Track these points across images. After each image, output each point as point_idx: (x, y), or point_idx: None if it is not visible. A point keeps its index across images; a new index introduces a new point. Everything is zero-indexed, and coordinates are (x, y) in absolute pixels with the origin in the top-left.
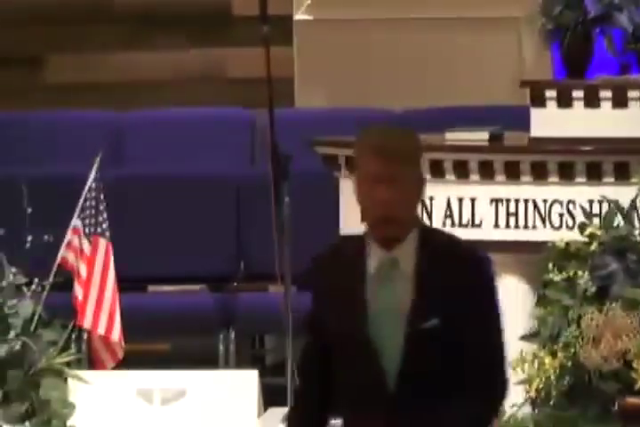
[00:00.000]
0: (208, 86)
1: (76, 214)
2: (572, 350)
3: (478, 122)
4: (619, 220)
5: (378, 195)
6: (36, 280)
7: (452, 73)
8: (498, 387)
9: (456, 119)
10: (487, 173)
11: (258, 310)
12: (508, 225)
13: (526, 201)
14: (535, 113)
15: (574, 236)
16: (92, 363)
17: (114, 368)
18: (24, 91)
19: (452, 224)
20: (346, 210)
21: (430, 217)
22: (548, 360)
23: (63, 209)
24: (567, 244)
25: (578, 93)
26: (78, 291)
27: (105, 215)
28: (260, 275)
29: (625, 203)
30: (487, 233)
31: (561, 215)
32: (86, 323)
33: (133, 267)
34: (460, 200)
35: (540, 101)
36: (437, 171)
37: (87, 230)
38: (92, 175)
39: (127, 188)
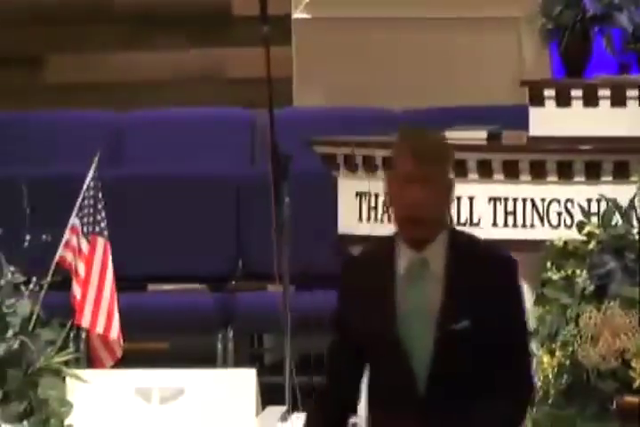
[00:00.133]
0: (208, 86)
1: (74, 213)
2: (571, 349)
3: (478, 121)
4: (617, 218)
5: (410, 194)
6: (35, 279)
7: (452, 73)
8: (527, 388)
9: (455, 119)
10: (485, 171)
11: (256, 309)
12: (506, 224)
13: (525, 200)
14: (534, 112)
15: (572, 234)
16: (91, 362)
17: (112, 367)
18: (24, 91)
19: (451, 223)
20: (343, 209)
21: None
22: (546, 359)
23: (63, 209)
24: (565, 242)
25: (576, 93)
26: (76, 290)
27: (103, 214)
28: (258, 274)
29: (623, 202)
30: (485, 232)
31: (559, 214)
32: (85, 322)
33: (133, 266)
34: (459, 199)
35: (538, 101)
36: None
37: (85, 229)
38: (91, 174)
39: (127, 187)
